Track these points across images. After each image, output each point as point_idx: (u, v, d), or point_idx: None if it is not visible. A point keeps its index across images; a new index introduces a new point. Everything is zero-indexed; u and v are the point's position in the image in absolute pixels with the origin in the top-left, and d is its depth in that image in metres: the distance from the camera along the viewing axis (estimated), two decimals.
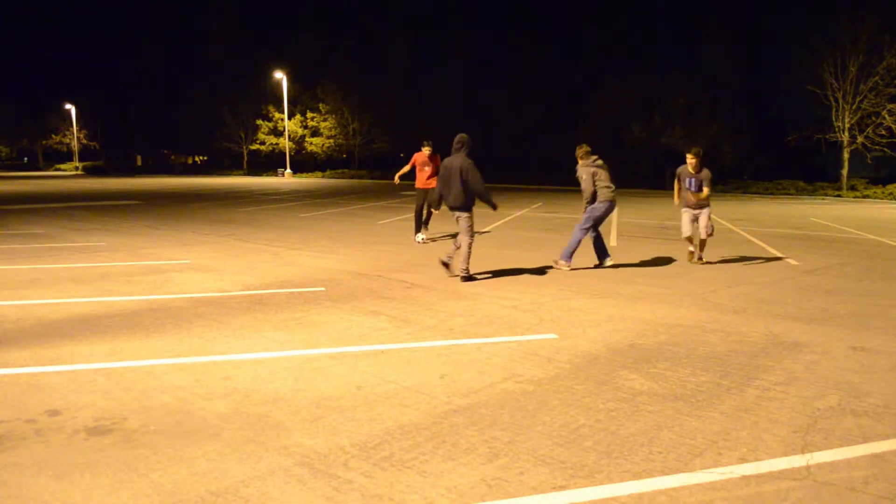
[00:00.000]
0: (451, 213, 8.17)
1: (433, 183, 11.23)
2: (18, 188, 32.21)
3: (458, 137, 8.17)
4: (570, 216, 17.44)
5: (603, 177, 8.76)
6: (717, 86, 34.48)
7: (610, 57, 38.03)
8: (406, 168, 12.03)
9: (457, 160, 7.98)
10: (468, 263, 8.11)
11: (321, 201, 23.01)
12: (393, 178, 12.52)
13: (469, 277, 8.09)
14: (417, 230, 11.88)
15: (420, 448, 3.48)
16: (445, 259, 8.30)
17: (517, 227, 14.86)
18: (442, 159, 11.16)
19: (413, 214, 12.22)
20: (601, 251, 9.14)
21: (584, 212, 8.90)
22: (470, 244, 8.09)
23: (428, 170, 11.62)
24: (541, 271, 8.87)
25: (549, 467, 3.27)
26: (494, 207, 8.26)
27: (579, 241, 8.89)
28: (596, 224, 8.93)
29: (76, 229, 13.80)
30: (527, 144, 43.34)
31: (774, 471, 3.25)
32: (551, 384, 4.45)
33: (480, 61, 44.84)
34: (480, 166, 8.94)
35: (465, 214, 8.04)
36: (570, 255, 8.89)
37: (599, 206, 8.79)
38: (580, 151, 8.85)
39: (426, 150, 11.64)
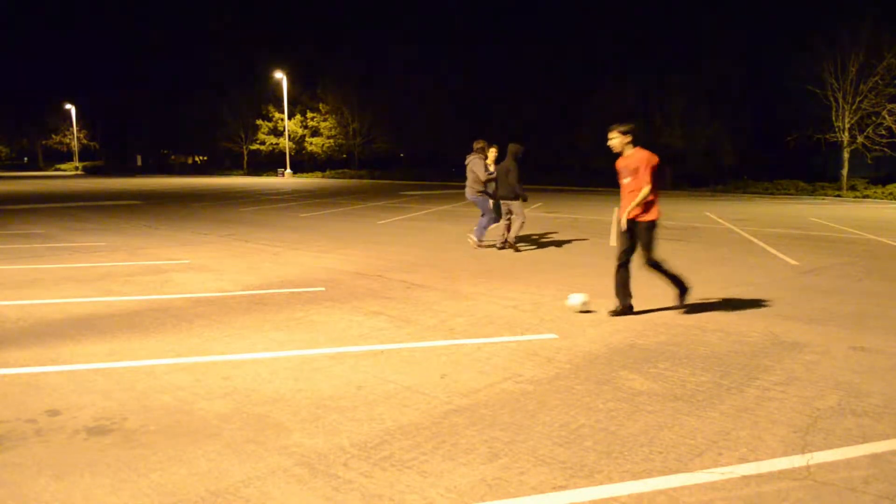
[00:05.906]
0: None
1: None
2: (18, 188, 32.20)
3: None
4: (570, 216, 17.44)
5: None
6: (717, 86, 34.41)
7: (610, 57, 37.99)
8: None
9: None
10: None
11: (321, 201, 23.00)
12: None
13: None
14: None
15: (420, 448, 3.48)
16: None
17: None
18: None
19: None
20: None
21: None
22: None
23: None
24: (541, 271, 8.87)
25: (549, 467, 3.27)
26: None
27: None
28: None
29: (76, 229, 13.79)
30: (526, 144, 43.33)
31: (774, 471, 3.25)
32: (551, 384, 4.45)
33: (480, 61, 44.85)
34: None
35: None
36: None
37: None
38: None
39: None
